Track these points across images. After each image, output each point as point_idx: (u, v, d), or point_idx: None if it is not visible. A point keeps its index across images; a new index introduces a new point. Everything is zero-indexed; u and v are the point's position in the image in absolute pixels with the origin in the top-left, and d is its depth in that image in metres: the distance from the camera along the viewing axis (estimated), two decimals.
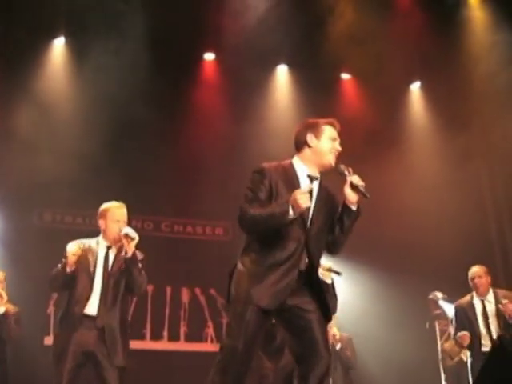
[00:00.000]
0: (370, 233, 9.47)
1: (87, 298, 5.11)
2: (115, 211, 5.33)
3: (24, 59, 9.09)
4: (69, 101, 9.27)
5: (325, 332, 3.83)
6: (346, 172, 3.96)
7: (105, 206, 5.43)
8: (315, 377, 3.65)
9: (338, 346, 6.79)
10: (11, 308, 6.77)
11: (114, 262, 5.27)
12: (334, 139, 4.09)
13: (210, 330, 9.53)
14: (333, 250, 4.10)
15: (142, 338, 9.22)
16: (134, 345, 8.82)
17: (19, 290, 6.99)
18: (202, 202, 8.94)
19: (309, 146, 4.04)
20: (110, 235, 5.30)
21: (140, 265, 5.22)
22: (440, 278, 9.63)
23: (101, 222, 5.37)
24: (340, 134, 4.14)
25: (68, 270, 5.07)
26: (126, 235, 5.09)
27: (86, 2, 8.86)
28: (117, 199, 5.53)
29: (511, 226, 10.37)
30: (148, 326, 9.35)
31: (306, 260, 3.84)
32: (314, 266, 3.87)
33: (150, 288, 9.35)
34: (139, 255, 5.29)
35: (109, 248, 5.31)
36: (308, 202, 3.67)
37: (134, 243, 5.10)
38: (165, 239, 9.67)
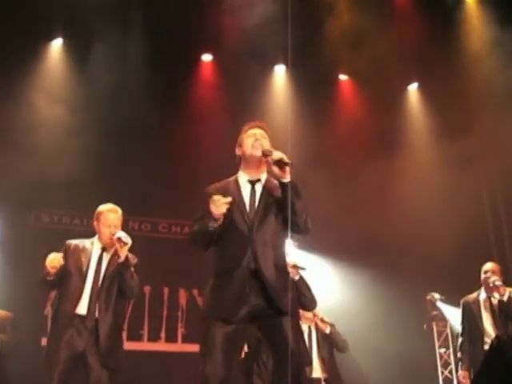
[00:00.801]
0: (368, 233, 9.49)
1: (78, 298, 5.10)
2: (108, 215, 5.34)
3: (21, 60, 9.08)
4: (66, 102, 9.25)
5: (294, 333, 3.87)
6: (268, 152, 4.03)
7: (100, 208, 5.44)
8: (287, 376, 3.73)
9: (328, 330, 6.79)
10: (5, 315, 6.73)
11: (108, 264, 5.27)
12: (253, 134, 4.22)
13: None
14: (296, 231, 4.07)
15: (139, 338, 9.21)
16: (132, 346, 8.86)
17: (16, 290, 6.98)
18: (200, 203, 8.89)
19: (240, 157, 4.23)
20: (102, 239, 5.32)
21: (133, 269, 5.23)
22: (438, 279, 9.64)
23: (95, 224, 5.41)
24: (251, 127, 4.30)
25: (48, 279, 5.13)
26: (119, 239, 5.08)
27: (83, 3, 8.85)
28: (114, 200, 5.54)
29: (509, 227, 10.37)
30: (145, 327, 9.34)
31: (253, 263, 3.89)
32: (262, 265, 3.89)
33: (147, 289, 9.35)
34: (133, 259, 5.30)
35: (103, 250, 5.31)
36: (220, 208, 3.90)
37: (126, 248, 5.10)
38: (162, 240, 9.66)
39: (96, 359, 5.02)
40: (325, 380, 6.53)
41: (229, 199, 3.92)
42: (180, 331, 9.50)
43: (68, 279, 5.16)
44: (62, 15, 9.24)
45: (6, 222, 8.79)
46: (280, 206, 4.02)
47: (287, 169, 3.94)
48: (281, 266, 3.99)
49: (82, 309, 5.09)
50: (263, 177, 4.18)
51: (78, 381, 5.14)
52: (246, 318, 3.85)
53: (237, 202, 4.02)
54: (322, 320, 6.74)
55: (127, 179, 8.96)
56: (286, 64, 10.41)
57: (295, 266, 5.66)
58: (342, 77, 10.79)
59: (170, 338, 9.44)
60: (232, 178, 4.21)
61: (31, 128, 8.60)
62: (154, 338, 9.35)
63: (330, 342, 6.78)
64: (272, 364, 3.99)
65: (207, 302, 4.03)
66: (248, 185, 4.12)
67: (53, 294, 8.58)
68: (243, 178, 4.16)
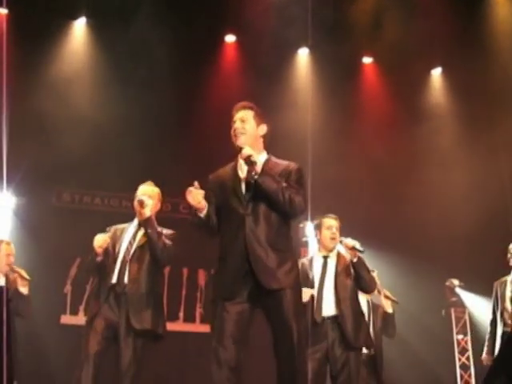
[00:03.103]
0: (387, 218, 9.46)
1: (113, 271, 5.26)
2: (142, 188, 5.57)
3: (45, 39, 9.12)
4: (89, 81, 9.30)
5: (294, 309, 3.86)
6: (239, 148, 4.05)
7: None
8: (283, 352, 3.80)
9: (390, 310, 6.78)
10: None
11: (141, 238, 5.42)
12: (234, 122, 4.18)
13: None
14: (285, 217, 4.05)
15: None
16: None
17: (37, 269, 7.03)
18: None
19: None
20: (136, 211, 5.49)
21: (165, 239, 5.41)
22: (457, 265, 9.60)
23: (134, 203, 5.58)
24: (236, 111, 4.21)
25: (98, 259, 5.29)
26: (138, 201, 5.34)
27: None
28: (135, 180, 5.63)
29: None
30: (164, 306, 9.36)
31: (245, 244, 3.90)
32: (249, 244, 3.90)
33: (166, 269, 9.34)
34: (166, 231, 5.51)
35: (139, 226, 5.47)
36: (195, 198, 3.99)
37: (148, 208, 5.33)
38: (182, 221, 9.59)
39: (126, 328, 5.12)
40: (370, 356, 6.57)
41: (198, 190, 3.97)
42: (198, 311, 9.54)
43: (107, 257, 5.33)
44: None
45: (28, 201, 8.86)
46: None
47: (255, 167, 3.92)
48: (277, 245, 3.95)
49: (114, 279, 5.24)
50: (262, 157, 4.13)
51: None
52: (249, 298, 3.90)
53: (233, 186, 4.05)
54: (387, 297, 6.72)
55: (148, 159, 8.98)
56: (310, 47, 10.35)
57: (354, 248, 5.65)
58: (366, 60, 10.71)
59: (189, 319, 9.48)
60: (233, 163, 4.19)
61: (54, 107, 8.64)
62: (172, 318, 9.38)
63: (384, 322, 6.79)
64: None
65: (213, 285, 4.16)
66: (245, 166, 4.04)
67: (73, 272, 8.69)
68: (240, 160, 4.10)
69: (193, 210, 4.06)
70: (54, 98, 8.76)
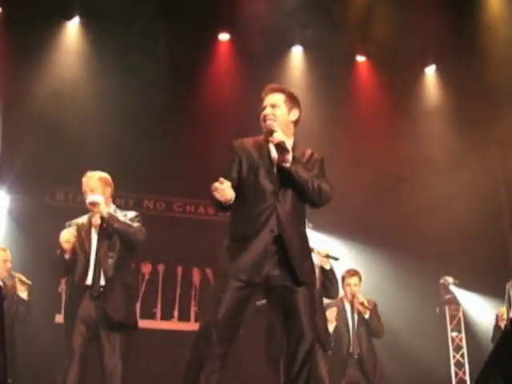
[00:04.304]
0: (382, 215, 9.47)
1: (86, 270, 5.18)
2: (83, 182, 5.44)
3: (39, 38, 9.09)
4: (83, 80, 9.27)
5: (310, 309, 3.82)
6: (270, 132, 3.90)
7: None
8: (299, 355, 3.73)
9: (367, 315, 6.86)
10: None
11: (107, 234, 5.31)
12: (264, 107, 4.07)
13: None
14: (310, 205, 4.03)
15: (152, 317, 9.25)
16: (145, 324, 8.91)
17: (31, 268, 7.02)
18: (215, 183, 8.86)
19: None
20: None
21: (133, 223, 5.29)
22: (451, 262, 9.62)
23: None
24: (266, 94, 4.15)
25: (66, 256, 5.21)
26: (90, 203, 5.20)
27: None
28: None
29: None
30: (159, 305, 9.38)
31: (277, 227, 3.80)
32: (285, 230, 3.81)
33: (161, 268, 9.39)
34: (130, 214, 5.39)
35: (102, 219, 5.32)
36: (224, 194, 3.72)
37: (101, 205, 5.19)
38: (177, 220, 9.67)
39: (106, 326, 5.07)
40: (358, 355, 6.70)
41: (227, 184, 3.74)
42: (193, 310, 9.54)
43: (75, 256, 5.25)
44: None
45: (21, 200, 8.84)
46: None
47: (288, 156, 3.83)
48: (301, 233, 3.92)
49: (89, 279, 5.17)
50: (290, 142, 4.00)
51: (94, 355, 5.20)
52: (262, 283, 3.79)
53: (265, 166, 3.93)
54: (362, 304, 6.81)
55: (143, 159, 8.97)
56: (304, 45, 10.34)
57: (328, 256, 5.68)
58: (360, 58, 10.70)
59: (183, 317, 9.48)
60: (260, 139, 4.05)
61: (48, 106, 8.62)
62: (167, 316, 9.39)
63: (366, 326, 6.88)
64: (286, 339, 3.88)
65: (230, 260, 3.84)
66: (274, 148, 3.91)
67: None
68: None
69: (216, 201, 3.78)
70: (49, 96, 8.75)
